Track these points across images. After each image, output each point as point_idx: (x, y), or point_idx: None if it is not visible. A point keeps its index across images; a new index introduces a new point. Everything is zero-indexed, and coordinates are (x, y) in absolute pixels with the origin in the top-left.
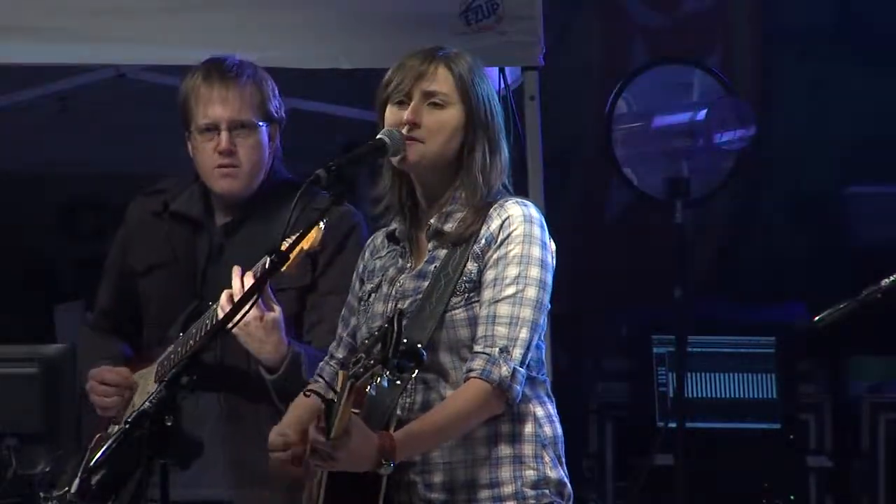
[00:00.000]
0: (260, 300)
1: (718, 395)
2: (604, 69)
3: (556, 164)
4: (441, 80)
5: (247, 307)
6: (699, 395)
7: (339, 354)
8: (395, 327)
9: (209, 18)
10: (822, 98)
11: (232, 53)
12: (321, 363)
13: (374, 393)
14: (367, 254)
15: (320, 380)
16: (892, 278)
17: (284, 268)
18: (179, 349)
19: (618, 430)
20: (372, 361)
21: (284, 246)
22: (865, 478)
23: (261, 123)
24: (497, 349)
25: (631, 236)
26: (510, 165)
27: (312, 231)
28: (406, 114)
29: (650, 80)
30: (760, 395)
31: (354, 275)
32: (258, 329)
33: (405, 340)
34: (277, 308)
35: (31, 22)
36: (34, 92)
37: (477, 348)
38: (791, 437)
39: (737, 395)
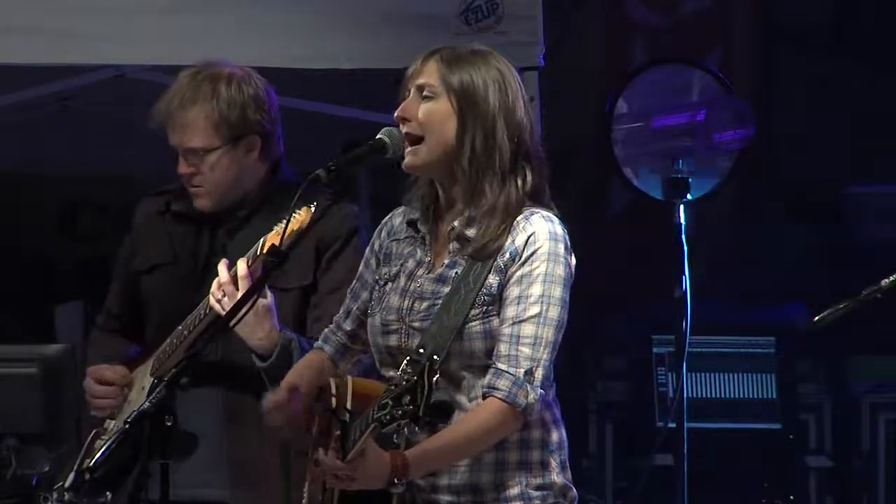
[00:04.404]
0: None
1: (718, 395)
2: (604, 69)
3: (556, 164)
4: (428, 73)
5: (244, 310)
6: (699, 395)
7: (347, 326)
8: (426, 383)
9: (209, 18)
10: (822, 98)
11: (215, 58)
12: (326, 331)
13: (398, 442)
14: (383, 232)
15: (325, 348)
16: (892, 278)
17: (281, 245)
18: (174, 341)
19: (618, 430)
20: (400, 413)
21: (275, 236)
22: (865, 478)
23: (217, 146)
24: (522, 371)
25: (631, 236)
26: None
27: (302, 211)
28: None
29: (650, 79)
30: (760, 395)
31: (368, 250)
32: (250, 315)
33: (434, 399)
34: (269, 294)
35: (31, 22)
36: (34, 92)
37: (501, 366)
38: (791, 437)
39: (737, 395)
